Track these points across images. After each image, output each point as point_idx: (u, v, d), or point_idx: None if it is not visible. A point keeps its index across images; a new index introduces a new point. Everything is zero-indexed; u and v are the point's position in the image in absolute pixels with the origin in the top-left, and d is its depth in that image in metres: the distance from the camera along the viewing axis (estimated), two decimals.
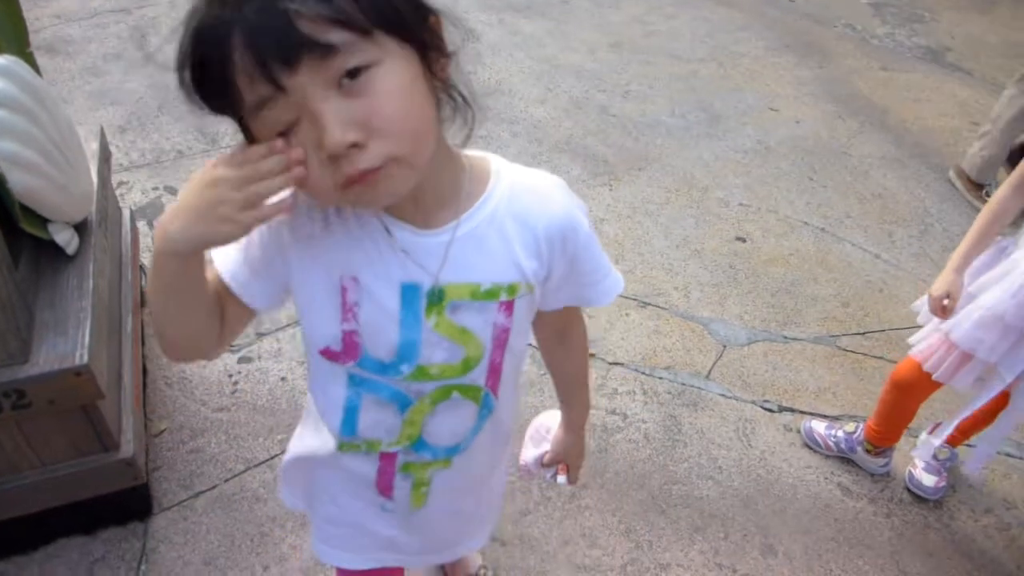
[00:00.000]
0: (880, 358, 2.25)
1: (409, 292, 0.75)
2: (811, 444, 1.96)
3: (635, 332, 2.24)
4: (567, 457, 1.13)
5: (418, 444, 0.87)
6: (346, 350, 0.78)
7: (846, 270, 2.59)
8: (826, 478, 1.90)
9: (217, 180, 0.63)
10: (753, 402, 2.07)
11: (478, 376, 0.83)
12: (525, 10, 4.18)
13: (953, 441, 1.89)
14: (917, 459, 1.91)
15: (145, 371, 1.92)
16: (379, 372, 0.79)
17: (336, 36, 0.59)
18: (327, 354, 0.79)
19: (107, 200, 1.78)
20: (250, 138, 0.67)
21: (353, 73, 0.61)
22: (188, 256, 0.68)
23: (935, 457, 1.88)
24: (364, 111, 0.61)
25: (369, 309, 0.76)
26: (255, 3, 0.58)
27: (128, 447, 1.50)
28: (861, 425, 1.91)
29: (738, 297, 2.42)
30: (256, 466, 1.77)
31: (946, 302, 1.51)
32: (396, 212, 0.74)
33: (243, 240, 0.71)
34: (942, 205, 2.94)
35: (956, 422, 1.73)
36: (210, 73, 0.62)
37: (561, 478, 1.14)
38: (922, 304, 1.67)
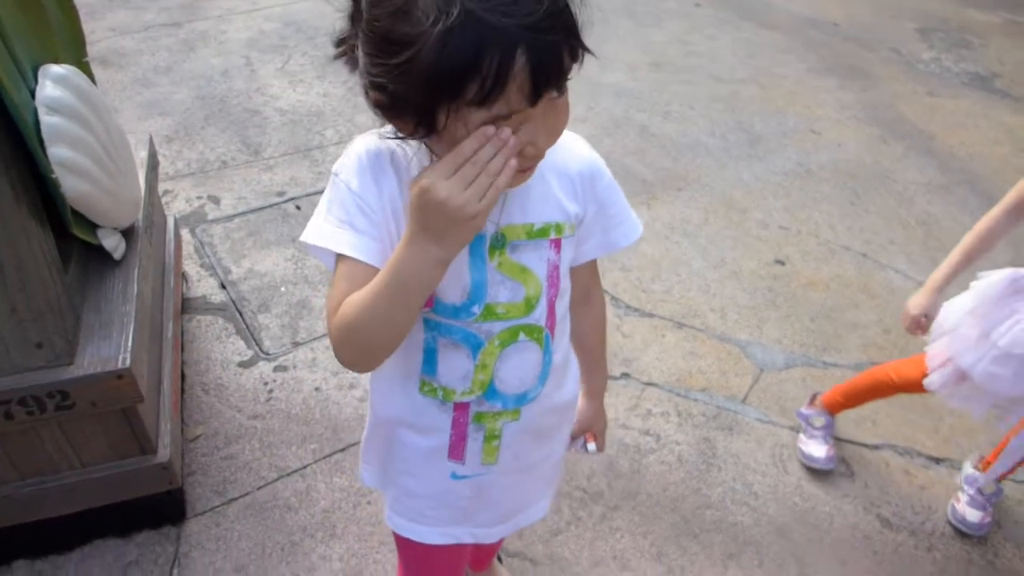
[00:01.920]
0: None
1: (475, 237, 0.80)
2: (817, 467, 1.90)
3: (671, 353, 2.22)
4: (593, 425, 1.18)
5: (489, 391, 0.92)
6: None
7: (888, 297, 2.53)
8: (865, 508, 1.85)
9: (441, 198, 0.69)
10: (790, 428, 2.02)
11: (539, 315, 0.89)
12: None
13: (999, 476, 1.84)
14: (961, 493, 1.85)
15: (183, 377, 1.95)
16: (452, 316, 0.86)
17: (570, 66, 0.70)
18: None
19: (153, 207, 1.82)
20: (431, 128, 0.71)
21: (560, 90, 0.72)
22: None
23: (980, 492, 1.82)
24: (555, 126, 0.75)
25: None
26: (535, 25, 0.65)
27: (165, 451, 1.52)
28: (816, 413, 1.94)
29: (776, 321, 2.38)
30: (288, 475, 1.78)
31: (923, 320, 1.55)
32: None
33: (349, 224, 0.79)
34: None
35: (1015, 460, 1.69)
36: (480, 79, 0.65)
37: (591, 446, 1.19)
38: (936, 335, 1.65)
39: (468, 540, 1.07)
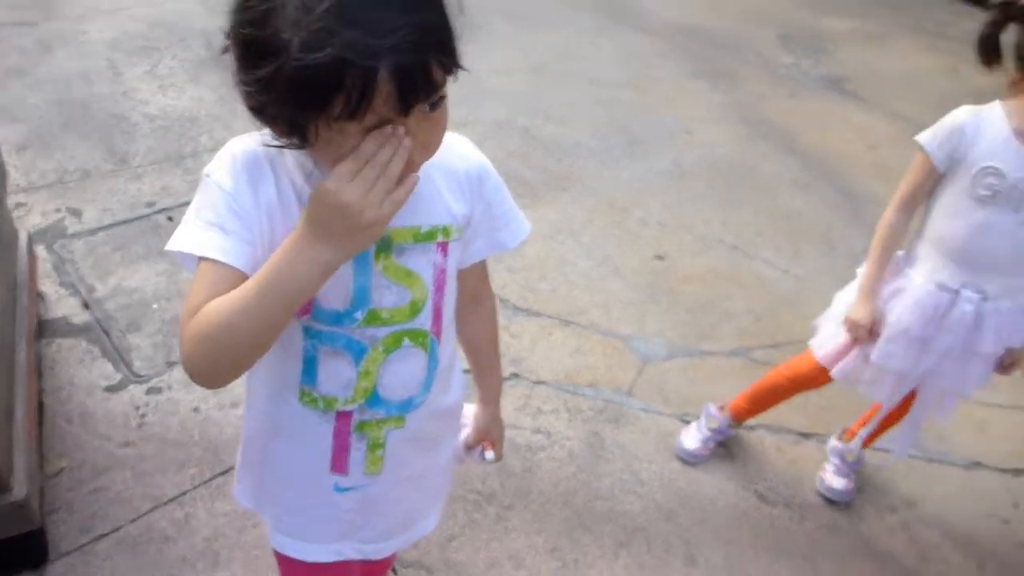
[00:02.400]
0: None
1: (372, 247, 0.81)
2: (693, 461, 1.98)
3: (558, 351, 2.26)
4: (489, 432, 1.16)
5: (373, 399, 0.90)
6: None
7: (758, 286, 2.69)
8: (744, 487, 1.96)
9: (346, 201, 0.68)
10: (673, 415, 2.11)
11: (424, 320, 0.89)
12: None
13: (863, 443, 1.98)
14: (827, 463, 1.98)
15: (42, 406, 1.81)
16: (334, 322, 0.84)
17: (442, 79, 0.71)
18: None
19: (1, 222, 1.68)
20: (303, 139, 0.71)
21: (435, 104, 0.72)
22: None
23: (844, 460, 1.96)
24: (430, 139, 0.76)
25: None
26: (399, 43, 0.64)
27: (21, 488, 1.40)
28: (714, 413, 1.98)
29: (657, 314, 2.48)
30: (165, 504, 1.68)
31: (873, 328, 1.59)
32: None
33: (218, 227, 0.75)
34: (846, 224, 3.09)
35: (873, 428, 1.83)
36: (344, 94, 0.65)
37: (489, 454, 1.17)
38: (823, 320, 1.76)
39: (355, 556, 1.04)
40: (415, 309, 0.88)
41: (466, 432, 1.17)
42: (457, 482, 1.80)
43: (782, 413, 2.17)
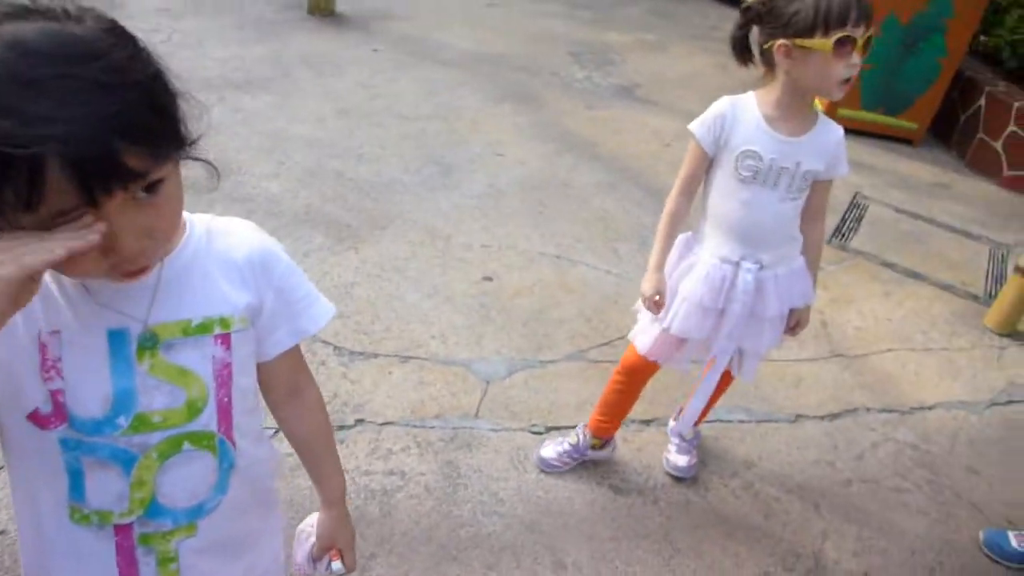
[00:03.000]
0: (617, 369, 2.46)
1: (117, 338, 0.77)
2: (549, 470, 2.04)
3: (400, 388, 2.24)
4: (335, 539, 1.08)
5: (152, 509, 0.83)
6: (55, 412, 0.76)
7: (584, 289, 2.82)
8: (598, 483, 2.03)
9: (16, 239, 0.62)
10: (522, 429, 2.16)
11: (207, 420, 0.83)
12: (245, 86, 4.09)
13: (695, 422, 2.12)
14: (670, 443, 2.11)
15: None
16: (94, 431, 0.77)
17: (149, 166, 0.65)
18: (35, 419, 0.76)
19: None
20: None
21: (150, 188, 0.67)
22: None
23: (683, 438, 2.09)
24: (151, 220, 0.69)
25: (73, 362, 0.75)
26: (71, 131, 0.59)
27: None
28: (579, 429, 2.05)
29: (493, 334, 2.53)
30: None
31: (657, 298, 1.71)
32: None
33: None
34: (653, 218, 3.31)
35: (696, 404, 1.96)
36: (10, 185, 0.60)
37: (336, 564, 1.08)
38: (639, 305, 1.88)
39: None
40: (194, 410, 0.81)
41: (311, 543, 1.09)
42: None
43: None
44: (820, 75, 1.49)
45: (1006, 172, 4.44)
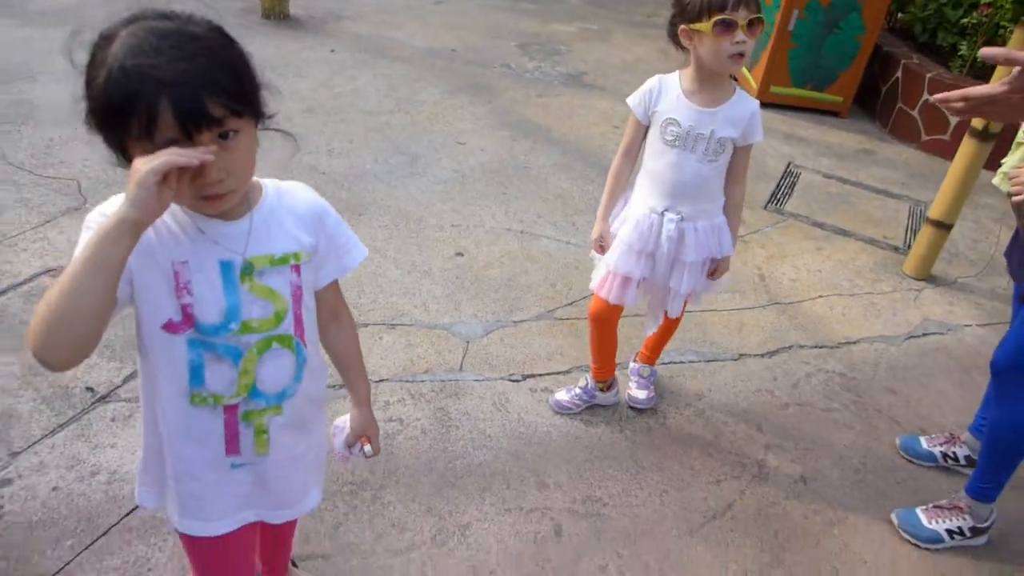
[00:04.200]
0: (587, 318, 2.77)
1: (226, 267, 1.04)
2: (564, 411, 2.35)
3: (391, 350, 2.51)
4: (366, 429, 1.38)
5: (253, 392, 1.11)
6: (185, 320, 1.03)
7: (547, 259, 3.12)
8: (571, 419, 2.33)
9: (134, 166, 0.87)
10: (501, 378, 2.45)
11: (288, 326, 1.11)
12: None
13: (650, 360, 2.44)
14: (630, 381, 2.42)
15: None
16: (213, 333, 1.05)
17: (225, 115, 0.92)
18: (169, 327, 1.03)
19: None
20: (124, 153, 0.94)
21: (225, 135, 0.93)
22: (137, 233, 0.89)
23: (641, 375, 2.41)
24: (229, 160, 0.95)
25: (198, 284, 1.02)
26: (179, 77, 0.87)
27: None
28: (586, 375, 2.36)
29: (469, 301, 2.81)
30: None
31: (601, 242, 2.05)
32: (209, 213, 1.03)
33: None
34: None
35: (644, 339, 2.28)
36: (136, 117, 0.88)
37: (367, 448, 1.39)
38: (593, 255, 2.18)
39: (254, 519, 1.23)
40: (279, 318, 1.09)
41: (345, 434, 1.38)
42: (330, 479, 2.01)
43: (587, 355, 2.59)
44: (711, 53, 1.80)
45: (924, 137, 4.88)
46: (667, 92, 1.92)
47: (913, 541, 2.06)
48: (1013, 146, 2.11)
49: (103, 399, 2.20)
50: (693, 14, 1.78)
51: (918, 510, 2.09)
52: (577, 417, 2.34)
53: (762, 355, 2.76)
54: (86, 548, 1.79)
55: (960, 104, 1.22)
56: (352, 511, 1.95)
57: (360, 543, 1.87)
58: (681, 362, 2.65)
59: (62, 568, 1.74)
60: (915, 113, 4.90)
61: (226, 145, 0.94)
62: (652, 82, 1.95)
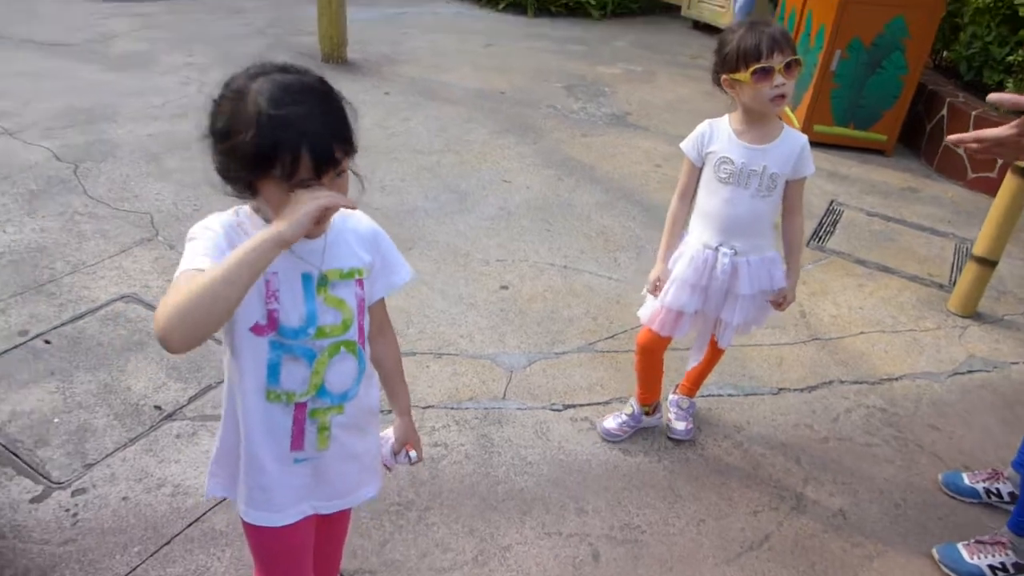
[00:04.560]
0: (628, 351, 2.84)
1: (306, 278, 1.19)
2: (612, 439, 2.42)
3: (437, 379, 2.62)
4: (408, 437, 1.51)
5: (321, 391, 1.24)
6: (269, 323, 1.17)
7: (589, 293, 3.21)
8: (610, 448, 2.40)
9: (304, 208, 1.02)
10: (543, 407, 2.53)
11: (353, 333, 1.25)
12: None
13: (690, 393, 2.50)
14: (669, 412, 2.48)
15: None
16: (293, 337, 1.19)
17: (343, 157, 1.09)
18: (256, 329, 1.17)
19: None
20: (252, 190, 1.10)
21: (340, 173, 1.10)
22: (283, 249, 1.02)
23: (680, 407, 2.46)
24: (337, 192, 1.10)
25: (284, 292, 1.17)
26: (316, 129, 1.05)
27: None
28: (632, 400, 2.43)
29: (512, 332, 2.91)
30: None
31: (657, 283, 2.14)
32: None
33: (209, 253, 1.08)
34: (647, 230, 3.73)
35: (686, 371, 2.34)
36: (281, 161, 1.04)
37: (412, 454, 1.51)
38: (646, 290, 2.27)
39: (311, 512, 1.35)
40: (346, 326, 1.24)
41: (390, 443, 1.51)
42: (379, 499, 2.10)
43: (627, 380, 2.66)
44: (753, 98, 1.91)
45: (970, 175, 4.85)
46: (719, 134, 2.02)
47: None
48: None
49: (169, 417, 2.35)
50: (732, 64, 1.90)
51: (959, 545, 2.09)
52: (616, 447, 2.41)
53: (801, 390, 2.78)
54: (152, 555, 1.92)
55: (975, 145, 1.29)
56: (398, 530, 2.04)
57: (405, 560, 1.96)
58: (720, 395, 2.69)
59: (130, 572, 1.87)
60: (961, 151, 4.88)
61: (338, 181, 1.11)
62: (703, 127, 2.06)
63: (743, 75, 1.87)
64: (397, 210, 3.78)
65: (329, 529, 1.53)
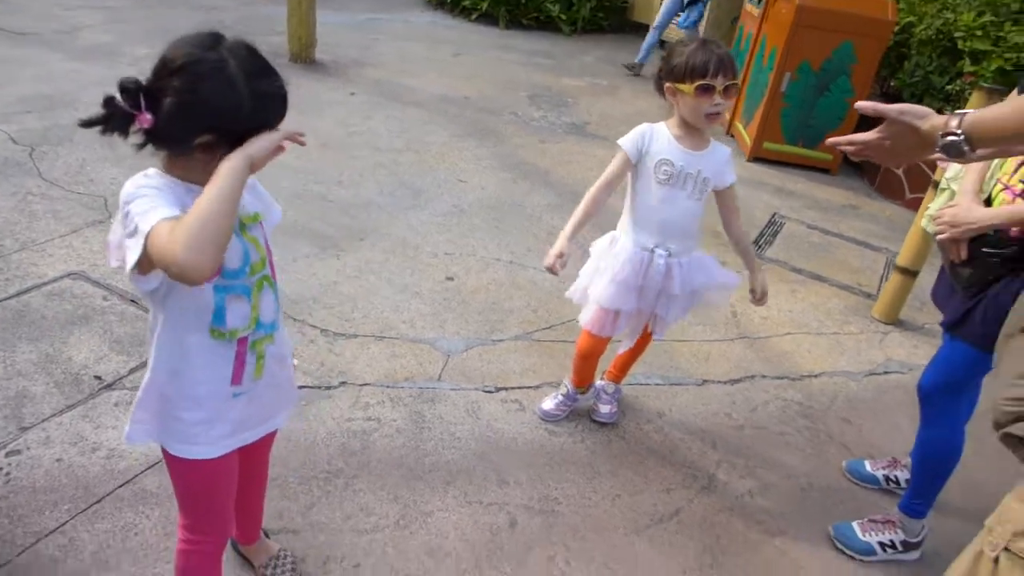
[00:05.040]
0: (564, 341, 2.97)
1: (238, 224, 1.30)
2: (550, 419, 2.53)
3: (376, 359, 2.72)
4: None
5: (258, 324, 1.38)
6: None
7: (532, 287, 3.33)
8: (535, 427, 2.51)
9: (270, 136, 1.20)
10: (476, 389, 2.64)
11: (268, 269, 1.39)
12: None
13: (616, 379, 2.62)
14: (595, 397, 2.60)
15: None
16: (234, 276, 1.32)
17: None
18: None
19: None
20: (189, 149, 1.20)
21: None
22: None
23: (606, 392, 2.59)
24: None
25: None
26: (282, 93, 1.25)
27: None
28: (566, 381, 2.55)
29: (453, 320, 3.02)
30: (49, 534, 1.90)
31: (559, 258, 2.16)
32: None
33: (163, 202, 1.16)
34: (595, 232, 3.86)
35: (615, 358, 2.46)
36: (270, 123, 1.23)
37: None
38: (572, 291, 2.37)
39: (238, 445, 1.45)
40: (263, 262, 1.37)
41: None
42: (307, 464, 2.21)
43: (560, 368, 2.78)
44: (691, 110, 2.04)
45: (908, 195, 5.08)
46: (659, 136, 2.14)
47: (848, 552, 2.19)
48: (937, 192, 2.31)
49: (109, 387, 2.42)
50: (678, 75, 2.02)
51: (854, 524, 2.23)
52: (541, 427, 2.52)
53: (724, 382, 2.92)
54: (81, 512, 1.98)
55: (850, 148, 1.43)
56: (325, 495, 2.12)
57: (329, 523, 2.04)
58: (647, 384, 2.82)
59: (58, 527, 1.93)
60: (900, 172, 5.12)
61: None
62: (643, 128, 2.16)
63: (686, 87, 2.00)
64: (351, 203, 3.88)
65: (253, 454, 1.61)
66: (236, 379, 1.38)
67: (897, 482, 2.45)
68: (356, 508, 2.10)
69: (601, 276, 2.28)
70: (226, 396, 1.39)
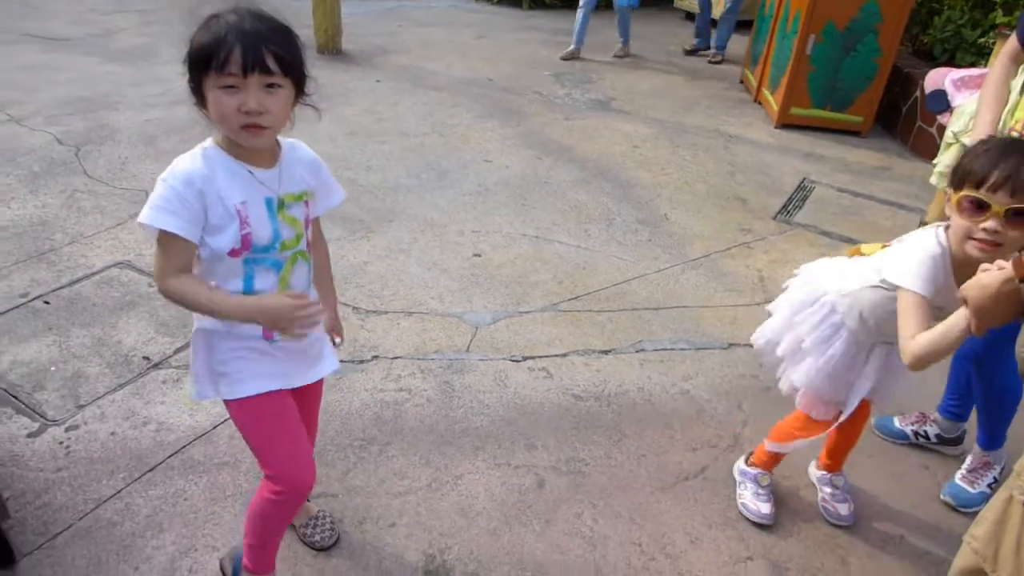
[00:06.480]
0: (589, 311, 3.02)
1: (269, 202, 1.42)
2: (771, 521, 2.11)
3: (407, 333, 2.81)
4: (335, 327, 1.79)
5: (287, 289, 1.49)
6: (244, 245, 1.39)
7: (557, 260, 3.39)
8: (563, 394, 2.57)
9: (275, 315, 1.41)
10: (503, 358, 2.71)
11: (303, 244, 1.50)
12: None
13: (830, 468, 2.24)
14: (822, 492, 2.22)
15: None
16: (264, 252, 1.43)
17: (275, 68, 1.28)
18: (233, 253, 1.39)
19: None
20: (202, 98, 1.31)
21: (271, 86, 1.29)
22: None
23: (835, 486, 2.20)
24: (271, 106, 1.30)
25: (254, 217, 1.39)
26: (250, 31, 1.26)
27: None
28: (754, 472, 2.18)
29: (481, 294, 3.09)
30: (107, 500, 2.04)
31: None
32: (254, 162, 1.39)
33: (176, 212, 1.31)
34: (619, 204, 3.90)
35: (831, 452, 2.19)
36: (215, 53, 1.25)
37: (338, 340, 1.79)
38: (759, 339, 2.17)
39: (281, 385, 1.55)
40: (299, 239, 1.48)
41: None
42: (343, 433, 2.31)
43: (585, 336, 2.84)
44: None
45: None
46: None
47: (880, 435, 2.46)
48: (943, 146, 2.30)
49: (156, 366, 2.55)
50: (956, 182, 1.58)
51: (895, 416, 2.47)
52: (568, 392, 2.58)
53: (750, 346, 2.94)
54: (135, 480, 2.11)
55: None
56: (360, 461, 2.23)
57: (364, 486, 2.15)
58: (672, 349, 2.86)
59: (115, 494, 2.07)
60: (933, 131, 5.01)
61: (270, 93, 1.30)
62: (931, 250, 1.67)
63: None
64: (380, 186, 3.97)
65: (302, 407, 1.66)
66: (267, 335, 1.49)
67: (927, 436, 2.45)
68: (390, 472, 2.20)
69: (804, 352, 1.98)
70: (263, 345, 1.50)
